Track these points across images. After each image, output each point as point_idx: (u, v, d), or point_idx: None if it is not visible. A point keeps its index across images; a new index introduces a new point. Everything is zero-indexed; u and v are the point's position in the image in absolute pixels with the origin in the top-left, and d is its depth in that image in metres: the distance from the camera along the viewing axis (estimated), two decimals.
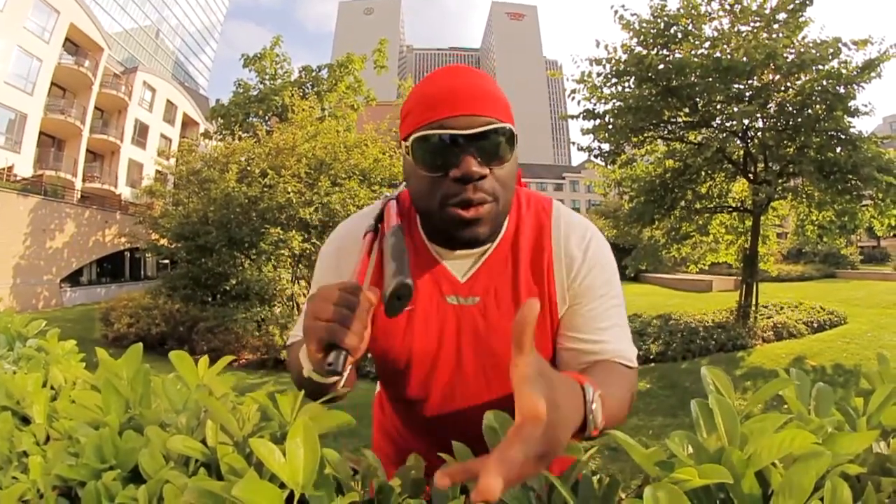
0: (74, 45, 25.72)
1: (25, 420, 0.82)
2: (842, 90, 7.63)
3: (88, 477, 0.59)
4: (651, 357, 7.82)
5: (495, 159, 0.78)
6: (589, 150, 10.05)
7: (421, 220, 0.92)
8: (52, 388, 0.94)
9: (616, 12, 8.93)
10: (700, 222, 10.76)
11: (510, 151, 0.79)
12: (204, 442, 0.61)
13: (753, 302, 9.67)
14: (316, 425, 0.55)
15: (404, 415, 1.03)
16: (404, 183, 0.93)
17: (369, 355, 0.93)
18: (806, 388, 0.69)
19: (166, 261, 17.39)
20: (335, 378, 0.72)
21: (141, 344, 0.85)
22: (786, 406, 0.70)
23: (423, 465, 0.66)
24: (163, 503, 0.52)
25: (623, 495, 0.55)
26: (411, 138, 0.79)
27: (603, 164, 10.57)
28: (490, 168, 0.77)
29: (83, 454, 0.62)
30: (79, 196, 24.69)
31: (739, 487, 0.51)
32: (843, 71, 7.73)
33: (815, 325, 9.37)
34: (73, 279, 22.54)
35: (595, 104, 9.42)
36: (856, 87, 7.76)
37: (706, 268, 12.76)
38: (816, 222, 10.01)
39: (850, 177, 7.91)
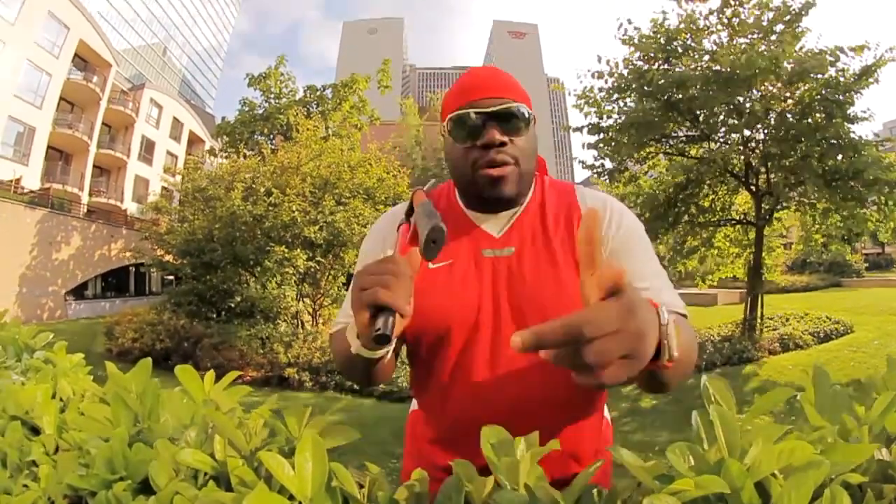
0: (83, 60, 26.08)
1: (35, 430, 0.83)
2: (840, 98, 7.66)
3: (99, 487, 0.60)
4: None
5: (514, 131, 0.94)
6: (592, 167, 10.08)
7: (458, 189, 1.05)
8: (60, 399, 0.95)
9: (620, 25, 9.02)
10: (704, 236, 10.75)
11: (525, 126, 0.95)
12: (212, 456, 0.62)
13: (759, 314, 9.62)
14: (324, 440, 0.56)
15: (442, 411, 1.00)
16: (431, 181, 1.07)
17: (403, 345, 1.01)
18: (825, 390, 0.69)
19: (171, 277, 17.43)
20: (383, 351, 0.78)
21: (150, 359, 0.86)
22: (793, 418, 0.69)
23: (428, 479, 0.67)
24: None
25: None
26: (448, 118, 0.97)
27: (606, 180, 10.59)
28: (510, 138, 0.93)
29: (93, 465, 0.63)
30: (85, 210, 24.83)
31: (739, 498, 0.50)
32: (841, 79, 7.78)
33: (822, 336, 9.32)
34: (78, 292, 22.58)
35: (598, 119, 9.49)
36: (854, 93, 7.79)
37: (715, 283, 12.72)
38: (821, 231, 9.98)
39: (853, 183, 7.92)
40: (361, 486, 0.62)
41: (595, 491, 0.59)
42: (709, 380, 0.72)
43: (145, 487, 0.61)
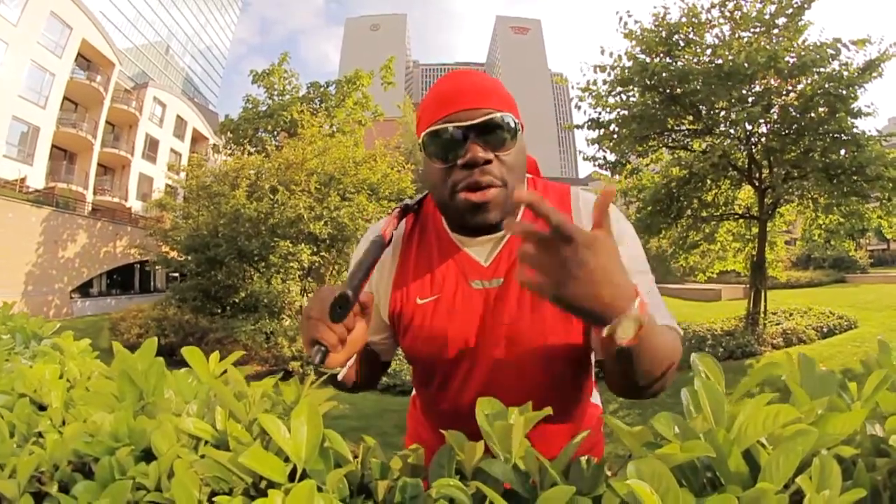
0: (86, 60, 26.18)
1: (42, 409, 0.85)
2: (843, 92, 7.62)
3: (103, 453, 0.62)
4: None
5: (499, 146, 0.84)
6: (594, 159, 10.06)
7: (440, 212, 0.97)
8: (67, 380, 0.97)
9: (621, 19, 9.00)
10: (707, 230, 10.73)
11: (512, 138, 0.85)
12: (213, 426, 0.64)
13: (762, 309, 9.60)
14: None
15: (437, 410, 1.03)
16: (417, 198, 1.04)
17: (396, 359, 1.02)
18: (811, 372, 0.69)
19: (176, 274, 17.51)
20: (335, 370, 0.81)
21: (156, 339, 0.88)
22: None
23: (424, 454, 0.68)
24: (173, 478, 0.54)
25: (609, 473, 0.57)
26: (423, 135, 0.87)
27: (608, 174, 10.59)
28: (495, 154, 0.84)
29: (99, 434, 0.65)
30: (90, 209, 24.94)
31: (726, 466, 0.52)
32: (845, 73, 7.74)
33: (825, 331, 9.30)
34: (84, 290, 22.69)
35: (600, 113, 9.47)
36: (857, 88, 7.74)
37: (715, 276, 12.68)
38: (824, 226, 9.95)
39: (856, 178, 7.88)
40: (356, 456, 0.64)
41: (584, 459, 0.61)
42: (698, 356, 0.73)
43: (147, 455, 0.63)
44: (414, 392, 1.17)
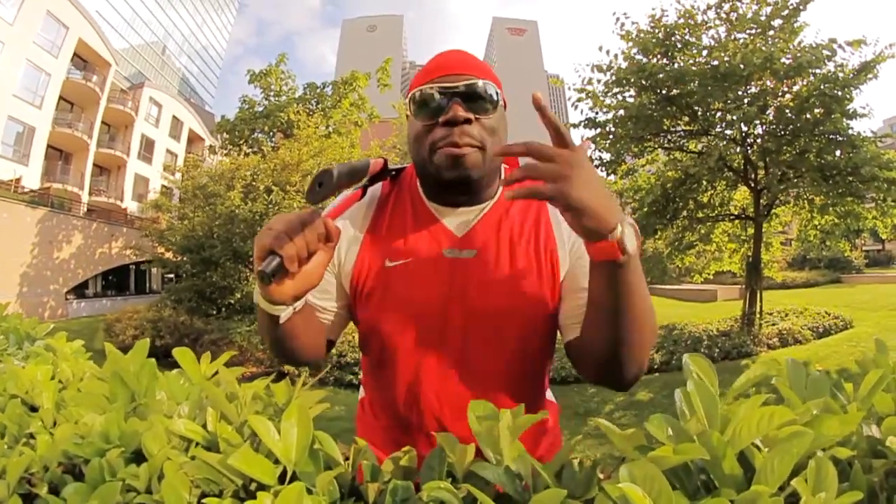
0: (82, 60, 26.12)
1: (34, 410, 0.85)
2: (839, 93, 7.65)
3: (93, 455, 0.62)
4: (654, 367, 7.78)
5: (480, 110, 0.89)
6: (590, 160, 10.05)
7: (418, 176, 0.99)
8: (59, 381, 0.96)
9: (617, 20, 9.02)
10: (703, 231, 10.76)
11: (493, 107, 0.90)
12: (204, 427, 0.64)
13: (758, 309, 9.63)
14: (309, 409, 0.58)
15: (394, 396, 0.99)
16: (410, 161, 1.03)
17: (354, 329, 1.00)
18: (800, 377, 0.69)
19: (171, 275, 17.51)
20: (279, 308, 0.79)
21: (148, 340, 0.88)
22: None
23: (416, 455, 0.68)
24: (163, 480, 0.54)
25: (602, 476, 0.56)
26: (410, 96, 0.92)
27: (604, 174, 10.60)
28: (476, 116, 0.88)
29: (89, 435, 0.65)
30: (85, 209, 24.89)
31: (720, 469, 0.51)
32: (840, 74, 7.77)
33: (821, 331, 9.34)
34: (79, 291, 22.64)
35: (596, 113, 9.48)
36: (853, 89, 7.77)
37: (711, 277, 12.72)
38: (819, 227, 9.99)
39: (851, 179, 7.92)
40: (347, 458, 0.64)
41: (576, 461, 0.61)
42: (690, 357, 0.73)
43: (138, 457, 0.62)
44: (362, 394, 1.14)
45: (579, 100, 9.48)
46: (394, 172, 1.03)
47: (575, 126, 9.74)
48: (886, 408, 0.61)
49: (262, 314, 0.82)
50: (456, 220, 0.95)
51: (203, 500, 0.53)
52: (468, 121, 0.87)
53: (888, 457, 0.54)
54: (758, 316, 9.58)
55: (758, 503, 0.45)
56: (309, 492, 0.49)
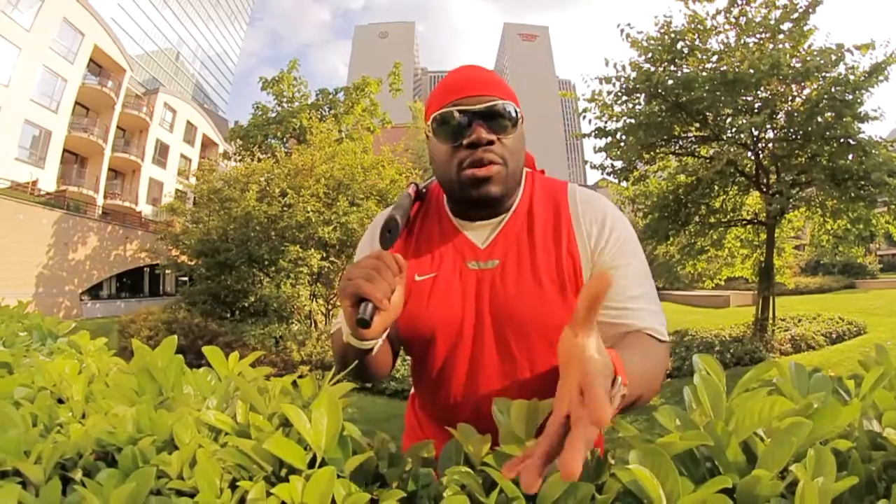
0: (98, 66, 26.49)
1: (60, 402, 0.88)
2: (849, 96, 7.57)
3: (126, 443, 0.65)
4: (666, 373, 7.72)
5: (500, 129, 0.91)
6: (602, 167, 10.05)
7: (445, 193, 1.03)
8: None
9: (622, 31, 9.02)
10: (714, 237, 10.68)
11: (513, 125, 0.93)
12: (234, 419, 0.67)
13: (770, 315, 9.54)
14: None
15: (433, 401, 1.06)
16: (434, 177, 1.06)
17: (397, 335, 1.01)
18: (803, 378, 0.71)
19: (185, 277, 17.71)
20: (371, 343, 0.84)
21: (175, 337, 0.91)
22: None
23: (434, 450, 0.71)
24: (196, 466, 0.57)
25: (612, 461, 0.59)
26: (432, 118, 0.94)
27: (615, 181, 10.57)
28: (497, 136, 0.91)
29: (121, 425, 0.68)
30: (100, 212, 25.18)
31: (725, 456, 0.54)
32: (850, 77, 7.69)
33: (834, 336, 9.21)
34: (94, 292, 22.88)
35: (606, 122, 9.46)
36: (863, 92, 7.69)
37: (722, 283, 12.61)
38: (831, 231, 9.88)
39: (863, 183, 7.81)
40: (371, 447, 0.67)
41: (588, 451, 0.63)
42: (700, 356, 0.75)
43: (169, 446, 0.65)
44: (413, 390, 1.19)
45: (586, 109, 9.48)
46: (423, 190, 1.09)
47: (586, 136, 9.73)
48: (887, 403, 0.62)
49: (349, 350, 0.86)
50: (478, 232, 0.99)
51: (236, 484, 0.56)
52: (491, 142, 0.90)
53: (888, 449, 0.56)
54: (770, 322, 9.49)
55: (759, 486, 0.48)
56: (338, 476, 0.52)
